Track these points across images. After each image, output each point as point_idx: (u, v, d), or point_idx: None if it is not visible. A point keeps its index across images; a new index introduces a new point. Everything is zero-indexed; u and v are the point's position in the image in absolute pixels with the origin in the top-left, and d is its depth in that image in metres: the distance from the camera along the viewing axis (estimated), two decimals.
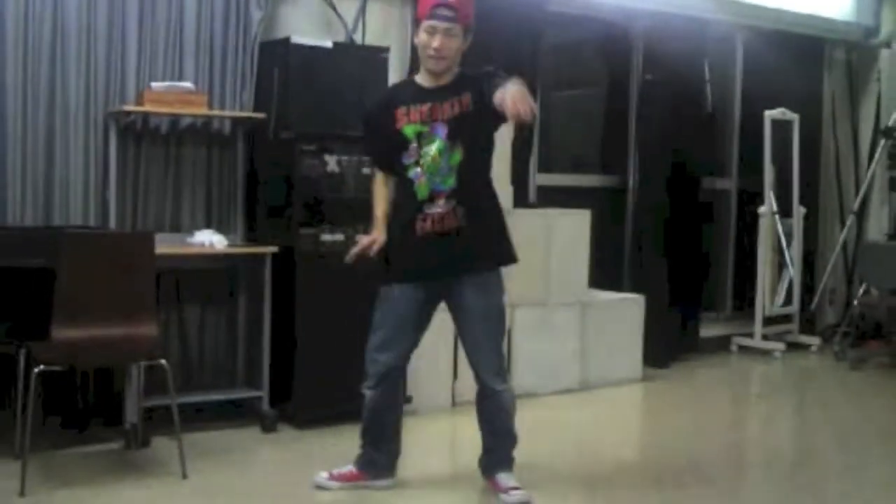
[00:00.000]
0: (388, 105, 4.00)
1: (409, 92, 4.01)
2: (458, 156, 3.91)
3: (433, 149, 3.90)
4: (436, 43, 3.87)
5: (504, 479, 4.10)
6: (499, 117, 3.81)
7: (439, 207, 3.91)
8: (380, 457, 4.20)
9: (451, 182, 3.91)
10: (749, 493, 4.55)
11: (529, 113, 3.64)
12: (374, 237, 4.03)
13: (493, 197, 4.08)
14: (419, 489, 4.29)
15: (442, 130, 3.92)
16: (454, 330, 5.45)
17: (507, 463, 4.15)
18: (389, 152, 3.99)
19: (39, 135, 4.79)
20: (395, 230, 4.03)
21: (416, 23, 3.96)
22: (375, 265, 4.06)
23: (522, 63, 6.37)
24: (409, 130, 3.92)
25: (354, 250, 4.05)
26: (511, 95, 3.63)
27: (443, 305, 4.14)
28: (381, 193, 4.08)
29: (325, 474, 4.20)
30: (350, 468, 4.21)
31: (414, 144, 3.91)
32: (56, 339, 4.03)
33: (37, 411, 4.04)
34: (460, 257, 3.96)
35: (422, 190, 3.92)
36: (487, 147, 4.03)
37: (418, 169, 3.92)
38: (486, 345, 4.07)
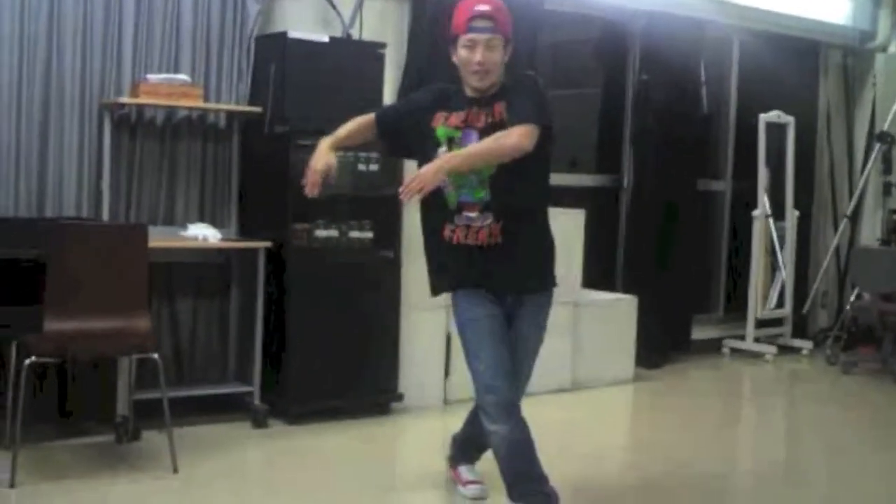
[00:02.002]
0: (436, 102, 3.80)
1: (456, 98, 3.78)
2: (488, 168, 3.65)
3: None
4: (478, 56, 3.64)
5: (465, 471, 4.11)
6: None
7: (471, 220, 3.70)
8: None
9: (482, 195, 3.68)
10: (736, 496, 4.55)
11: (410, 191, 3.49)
12: (326, 161, 3.70)
13: (535, 219, 3.81)
14: (411, 486, 4.29)
15: (472, 137, 3.70)
16: (446, 330, 5.50)
17: (471, 460, 4.15)
18: (417, 142, 3.80)
19: (34, 125, 4.77)
20: (426, 236, 3.89)
21: (453, 40, 3.71)
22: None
23: (519, 61, 6.35)
24: (441, 132, 3.72)
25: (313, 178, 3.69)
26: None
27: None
28: (355, 124, 3.84)
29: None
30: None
31: (443, 148, 3.70)
32: (48, 331, 4.01)
33: (28, 403, 4.01)
34: (503, 273, 3.72)
35: (451, 199, 3.72)
36: (526, 161, 3.60)
37: (445, 177, 3.66)
38: (520, 375, 3.84)
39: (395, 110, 4.06)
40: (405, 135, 3.88)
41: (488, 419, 3.67)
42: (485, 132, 3.69)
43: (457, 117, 3.75)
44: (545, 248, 3.88)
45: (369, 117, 3.89)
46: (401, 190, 3.51)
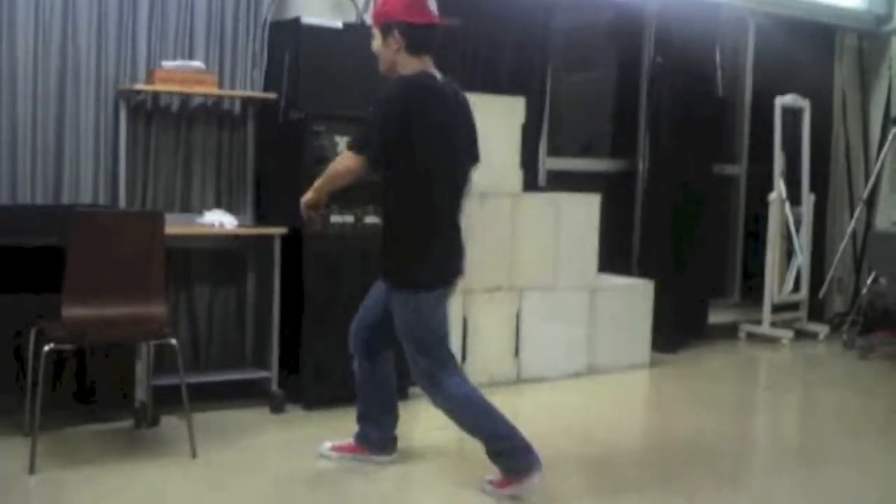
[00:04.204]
0: None
1: None
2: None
3: None
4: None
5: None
6: None
7: None
8: (370, 432, 4.27)
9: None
10: (752, 479, 4.54)
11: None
12: None
13: (404, 220, 3.92)
14: (428, 469, 4.30)
15: None
16: (462, 315, 5.53)
17: (489, 457, 4.02)
18: None
19: (50, 112, 4.78)
20: None
21: None
22: None
23: (532, 46, 6.35)
24: None
25: None
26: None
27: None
28: None
29: (328, 444, 4.33)
30: (350, 440, 4.30)
31: None
32: (66, 318, 4.02)
33: (46, 389, 4.03)
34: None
35: None
36: (396, 167, 3.87)
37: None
38: (407, 353, 4.05)
39: None
40: None
41: None
42: None
43: None
44: (398, 250, 3.97)
45: None
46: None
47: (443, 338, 4.02)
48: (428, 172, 3.88)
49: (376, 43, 3.97)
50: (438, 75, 3.98)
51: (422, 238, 3.92)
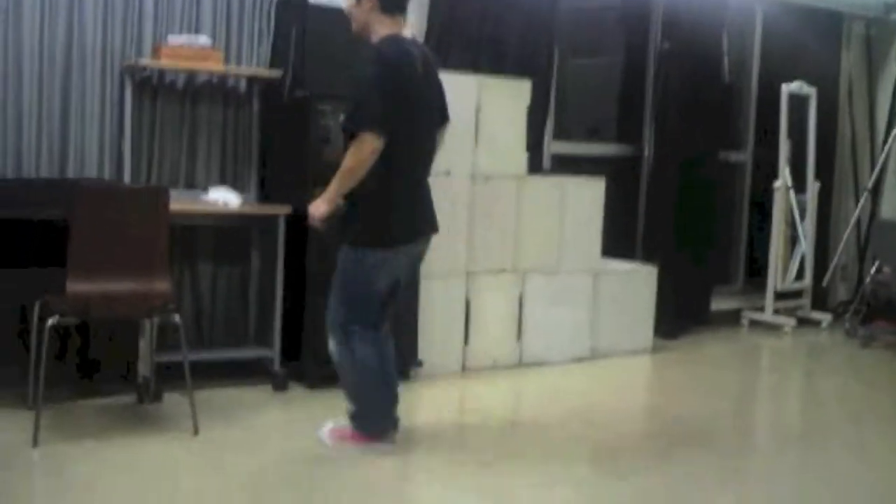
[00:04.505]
0: None
1: None
2: None
3: None
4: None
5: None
6: None
7: None
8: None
9: None
10: (752, 465, 4.54)
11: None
12: None
13: (364, 182, 3.88)
14: (425, 451, 4.30)
15: None
16: (465, 297, 5.54)
17: (350, 418, 4.16)
18: None
19: (55, 87, 4.78)
20: None
21: None
22: None
23: (539, 28, 6.33)
24: None
25: None
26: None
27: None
28: None
29: (329, 424, 4.27)
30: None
31: None
32: (70, 292, 4.02)
33: (50, 363, 4.03)
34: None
35: None
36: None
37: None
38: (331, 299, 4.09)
39: None
40: None
41: None
42: None
43: None
44: (357, 211, 3.97)
45: None
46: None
47: (374, 298, 4.03)
48: (392, 139, 3.84)
49: (350, 2, 3.97)
50: (409, 35, 4.00)
51: (378, 201, 3.92)
